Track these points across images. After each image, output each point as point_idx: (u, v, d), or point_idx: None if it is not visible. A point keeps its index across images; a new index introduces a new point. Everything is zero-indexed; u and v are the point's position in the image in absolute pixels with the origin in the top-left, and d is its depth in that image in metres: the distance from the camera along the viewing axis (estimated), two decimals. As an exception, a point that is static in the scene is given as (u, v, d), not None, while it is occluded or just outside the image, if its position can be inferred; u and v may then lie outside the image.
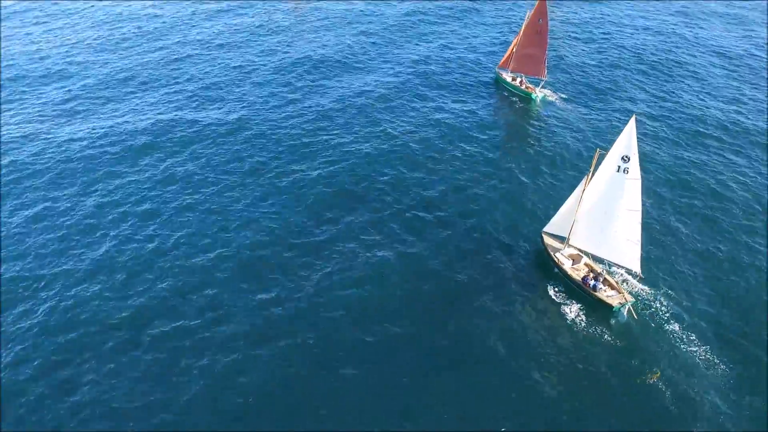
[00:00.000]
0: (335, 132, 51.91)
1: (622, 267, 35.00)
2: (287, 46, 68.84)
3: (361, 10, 79.50)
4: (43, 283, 34.97)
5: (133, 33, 71.47)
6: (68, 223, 40.12)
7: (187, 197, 43.07)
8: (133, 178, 45.07)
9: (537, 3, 56.16)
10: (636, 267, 33.36)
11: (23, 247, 37.93)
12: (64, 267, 36.20)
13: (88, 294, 34.09)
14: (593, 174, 33.33)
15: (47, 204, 41.92)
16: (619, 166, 31.59)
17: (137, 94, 57.63)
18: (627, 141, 30.88)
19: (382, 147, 50.01)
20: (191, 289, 34.73)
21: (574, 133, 53.28)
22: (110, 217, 40.81)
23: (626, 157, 31.16)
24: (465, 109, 56.77)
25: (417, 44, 69.98)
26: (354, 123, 53.57)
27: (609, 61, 66.40)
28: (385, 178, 45.80)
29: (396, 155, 48.97)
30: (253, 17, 76.79)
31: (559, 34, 71.91)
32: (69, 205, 41.93)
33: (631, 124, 30.75)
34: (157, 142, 49.49)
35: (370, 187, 44.71)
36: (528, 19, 57.22)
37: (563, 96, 59.26)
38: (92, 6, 79.86)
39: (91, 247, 37.97)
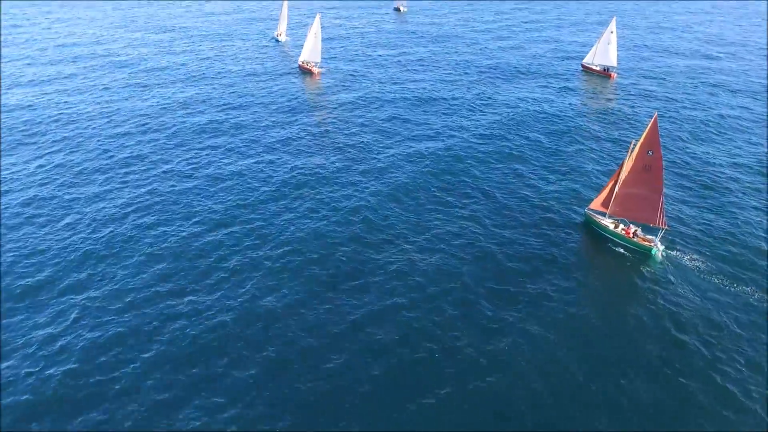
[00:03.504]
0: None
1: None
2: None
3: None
4: None
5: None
6: None
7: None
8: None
9: (646, 130, 42.01)
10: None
11: None
12: None
13: None
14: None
15: None
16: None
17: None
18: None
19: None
20: None
21: (715, 311, 36.03)
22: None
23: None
24: (555, 268, 41.76)
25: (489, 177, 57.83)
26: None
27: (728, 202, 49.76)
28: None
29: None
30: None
31: (671, 171, 56.61)
32: None
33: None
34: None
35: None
36: (634, 149, 42.83)
37: (694, 257, 42.45)
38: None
39: None
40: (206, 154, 59.93)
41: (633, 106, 74.48)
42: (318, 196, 50.85)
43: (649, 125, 41.71)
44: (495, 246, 43.59)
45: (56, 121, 69.43)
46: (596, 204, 45.84)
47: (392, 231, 45.51)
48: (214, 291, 38.34)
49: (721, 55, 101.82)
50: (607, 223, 45.17)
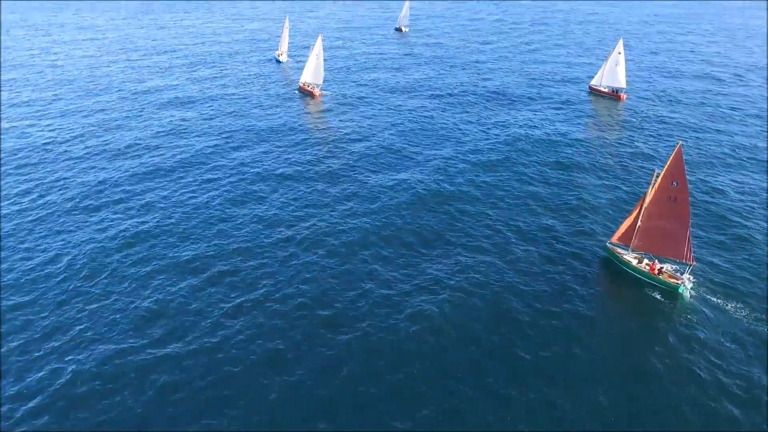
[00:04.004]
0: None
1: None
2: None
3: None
4: None
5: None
6: None
7: None
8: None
9: (670, 159, 39.36)
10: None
11: None
12: None
13: None
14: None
15: None
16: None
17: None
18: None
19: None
20: None
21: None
22: None
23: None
24: (573, 297, 38.53)
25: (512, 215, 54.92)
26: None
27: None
28: None
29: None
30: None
31: (699, 198, 53.77)
32: None
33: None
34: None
35: None
36: (657, 179, 40.13)
37: (725, 296, 39.37)
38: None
39: None
40: (200, 182, 57.25)
41: (647, 131, 72.02)
42: (312, 229, 48.00)
43: (673, 154, 39.02)
44: (504, 287, 40.54)
45: (52, 142, 67.08)
46: (618, 237, 42.95)
47: (399, 270, 42.53)
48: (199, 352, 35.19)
49: (729, 77, 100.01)
50: (630, 258, 42.21)
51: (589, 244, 45.69)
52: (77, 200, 53.17)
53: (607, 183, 57.17)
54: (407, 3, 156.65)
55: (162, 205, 52.12)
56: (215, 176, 58.45)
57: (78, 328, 35.87)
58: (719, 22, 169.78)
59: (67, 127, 73.18)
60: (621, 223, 43.87)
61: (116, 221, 49.05)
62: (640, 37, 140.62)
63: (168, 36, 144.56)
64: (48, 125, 74.17)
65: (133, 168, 60.40)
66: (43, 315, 37.21)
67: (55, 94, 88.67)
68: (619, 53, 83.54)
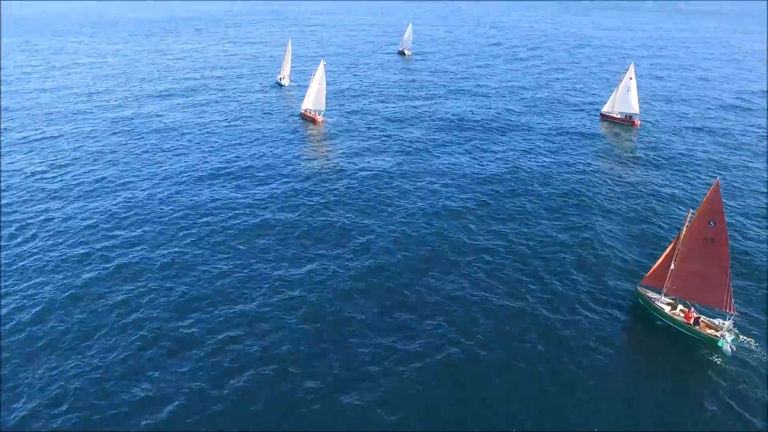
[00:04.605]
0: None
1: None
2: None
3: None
4: None
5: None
6: None
7: None
8: None
9: (706, 197, 36.01)
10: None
11: None
12: None
13: None
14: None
15: None
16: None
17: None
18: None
19: None
20: None
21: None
22: None
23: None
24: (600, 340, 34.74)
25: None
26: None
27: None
28: None
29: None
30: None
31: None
32: None
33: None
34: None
35: None
36: (692, 218, 36.72)
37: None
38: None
39: None
40: (197, 213, 53.82)
41: (667, 161, 68.61)
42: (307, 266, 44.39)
43: (710, 192, 35.75)
44: (513, 337, 36.76)
45: (52, 166, 63.97)
46: (650, 279, 39.33)
47: (399, 310, 38.82)
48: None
49: (746, 104, 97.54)
50: (663, 305, 38.46)
51: (612, 286, 42.02)
52: (63, 246, 49.74)
53: (630, 218, 53.57)
54: (410, 26, 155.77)
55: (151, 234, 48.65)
56: (209, 216, 55.05)
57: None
58: (727, 45, 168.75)
59: (60, 155, 70.25)
60: (651, 265, 40.35)
61: (110, 256, 45.51)
62: (648, 59, 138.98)
63: (168, 59, 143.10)
64: (42, 153, 71.27)
65: (113, 206, 57.11)
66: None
67: (49, 121, 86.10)
68: (631, 78, 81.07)
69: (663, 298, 38.93)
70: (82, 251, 46.47)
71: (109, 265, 44.05)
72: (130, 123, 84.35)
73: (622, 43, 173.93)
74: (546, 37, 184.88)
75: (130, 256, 45.63)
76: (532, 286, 41.70)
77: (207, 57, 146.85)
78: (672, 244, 38.11)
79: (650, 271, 39.53)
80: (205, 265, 44.18)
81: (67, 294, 40.39)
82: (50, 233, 49.84)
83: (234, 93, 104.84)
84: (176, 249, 46.64)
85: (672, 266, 37.43)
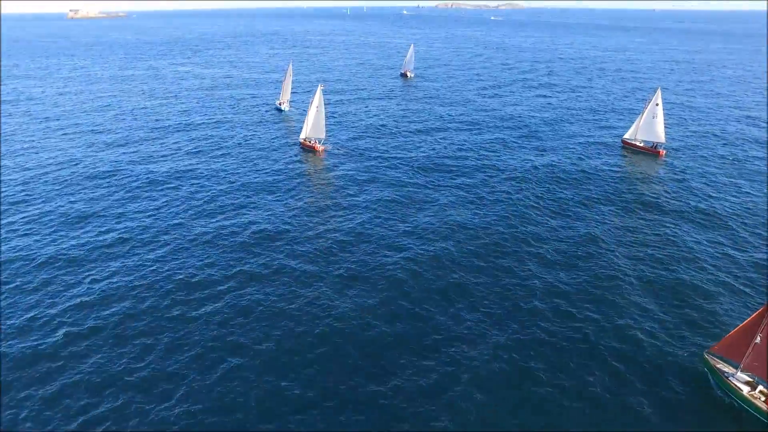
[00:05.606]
0: None
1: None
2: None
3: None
4: None
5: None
6: None
7: None
8: None
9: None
10: None
11: None
12: None
13: None
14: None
15: None
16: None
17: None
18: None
19: None
20: None
21: None
22: None
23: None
24: None
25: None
26: None
27: None
28: None
29: None
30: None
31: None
32: None
33: None
34: None
35: None
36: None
37: None
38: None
39: None
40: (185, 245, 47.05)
41: (704, 199, 62.07)
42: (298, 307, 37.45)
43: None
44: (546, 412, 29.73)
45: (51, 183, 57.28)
46: (723, 348, 32.27)
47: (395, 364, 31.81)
48: None
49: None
50: (739, 383, 31.49)
51: (672, 351, 35.10)
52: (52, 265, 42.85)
53: (678, 269, 46.86)
54: (412, 47, 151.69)
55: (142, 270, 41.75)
56: (202, 252, 48.30)
57: None
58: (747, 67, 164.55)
59: (49, 181, 63.82)
60: (727, 332, 33.49)
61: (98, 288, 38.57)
62: (674, 85, 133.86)
63: (168, 82, 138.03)
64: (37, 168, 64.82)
65: (108, 234, 50.43)
66: None
67: (44, 137, 79.98)
68: (657, 104, 75.22)
69: (739, 374, 32.03)
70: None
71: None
72: (118, 154, 78.11)
73: (638, 65, 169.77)
74: (549, 58, 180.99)
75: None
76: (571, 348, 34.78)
77: (204, 81, 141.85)
78: (758, 312, 31.22)
79: (725, 338, 32.57)
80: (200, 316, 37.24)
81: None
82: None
83: (232, 118, 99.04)
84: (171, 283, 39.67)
85: (758, 339, 30.58)
